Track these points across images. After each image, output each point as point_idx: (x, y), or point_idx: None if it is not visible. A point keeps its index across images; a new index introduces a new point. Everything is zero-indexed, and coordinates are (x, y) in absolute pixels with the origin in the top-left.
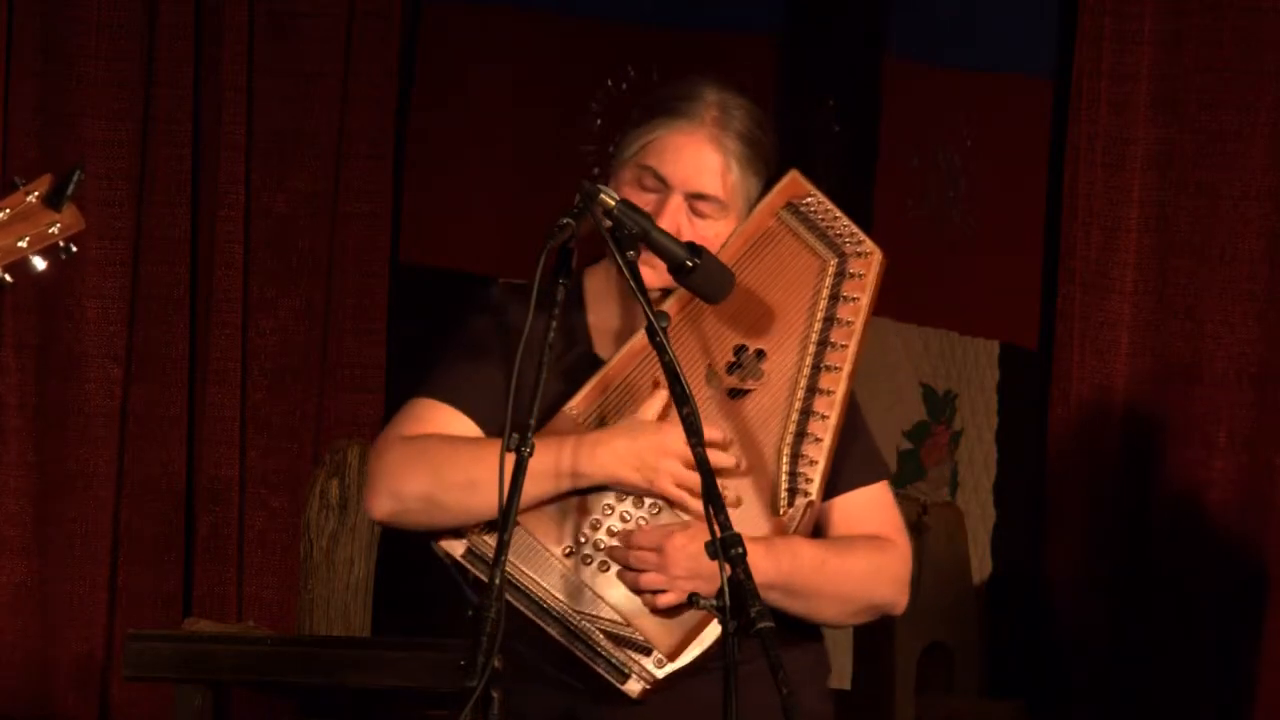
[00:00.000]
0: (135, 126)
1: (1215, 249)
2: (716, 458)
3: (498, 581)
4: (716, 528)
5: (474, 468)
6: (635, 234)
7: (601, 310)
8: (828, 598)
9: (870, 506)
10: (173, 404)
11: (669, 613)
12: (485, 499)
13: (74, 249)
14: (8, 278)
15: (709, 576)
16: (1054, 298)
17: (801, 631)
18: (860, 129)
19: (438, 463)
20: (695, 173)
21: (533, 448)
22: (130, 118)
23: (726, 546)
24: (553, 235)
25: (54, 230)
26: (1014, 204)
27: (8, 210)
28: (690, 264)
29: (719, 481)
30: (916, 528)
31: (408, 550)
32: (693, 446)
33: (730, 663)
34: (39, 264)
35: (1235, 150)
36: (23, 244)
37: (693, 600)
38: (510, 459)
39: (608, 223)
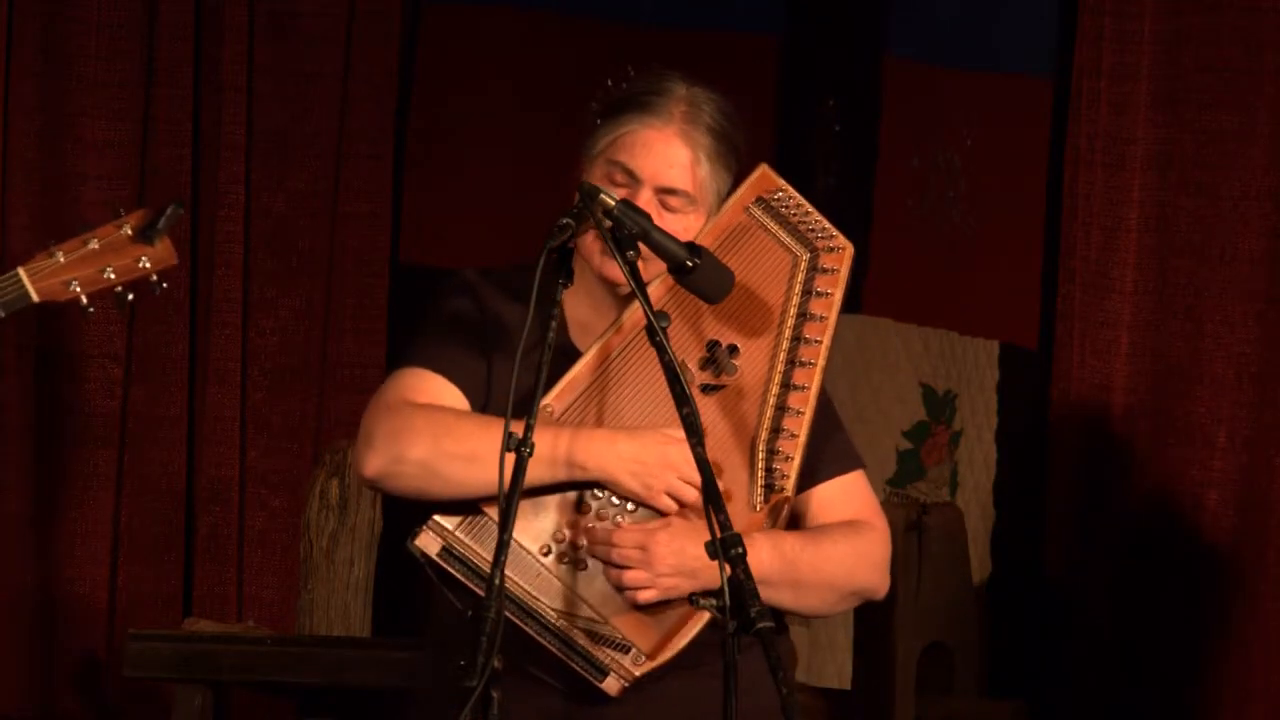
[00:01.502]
0: (135, 126)
1: (1215, 249)
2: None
3: (498, 582)
4: (717, 528)
5: (476, 442)
6: (635, 234)
7: (574, 302)
8: (811, 587)
9: (846, 495)
10: (173, 404)
11: (647, 611)
12: (483, 474)
13: (165, 285)
14: (90, 308)
15: (691, 573)
16: (1054, 298)
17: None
18: (860, 129)
19: (441, 432)
20: (664, 167)
21: (533, 448)
22: (130, 118)
23: (726, 546)
24: (553, 235)
25: (144, 264)
26: (1014, 204)
27: (97, 241)
28: (690, 264)
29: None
30: (916, 528)
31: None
32: (692, 446)
33: (730, 663)
34: (128, 297)
35: (1235, 150)
36: (109, 275)
37: (693, 600)
38: (510, 459)
39: (608, 223)
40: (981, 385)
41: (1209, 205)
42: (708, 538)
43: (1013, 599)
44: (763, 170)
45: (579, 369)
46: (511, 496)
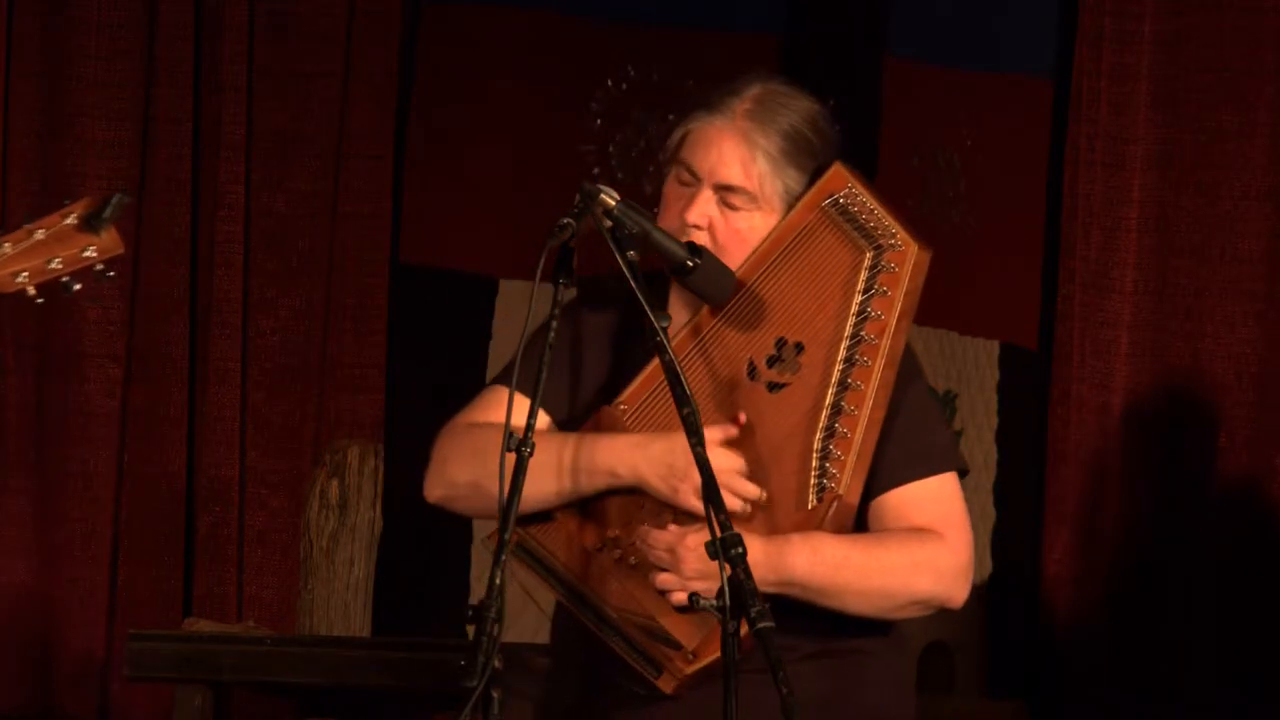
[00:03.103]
0: (135, 126)
1: (1215, 249)
2: (726, 458)
3: (498, 581)
4: (717, 527)
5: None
6: (635, 234)
7: (680, 312)
8: (858, 593)
9: (923, 501)
10: (173, 404)
11: (691, 611)
12: (527, 485)
13: (111, 273)
14: (39, 299)
15: (718, 576)
16: (1054, 298)
17: (876, 632)
18: (860, 129)
19: (484, 450)
20: (719, 164)
21: (533, 448)
22: (130, 118)
23: (726, 547)
24: (553, 235)
25: (90, 253)
26: (1014, 204)
27: (43, 231)
28: (690, 264)
29: (752, 476)
30: None
31: (408, 550)
32: (693, 447)
33: (730, 662)
34: (75, 286)
35: (1235, 150)
36: (56, 265)
37: (693, 600)
38: (510, 459)
39: (608, 223)
40: (981, 385)
41: (1209, 205)
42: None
43: (1013, 599)
44: (835, 169)
45: (652, 367)
46: (512, 496)
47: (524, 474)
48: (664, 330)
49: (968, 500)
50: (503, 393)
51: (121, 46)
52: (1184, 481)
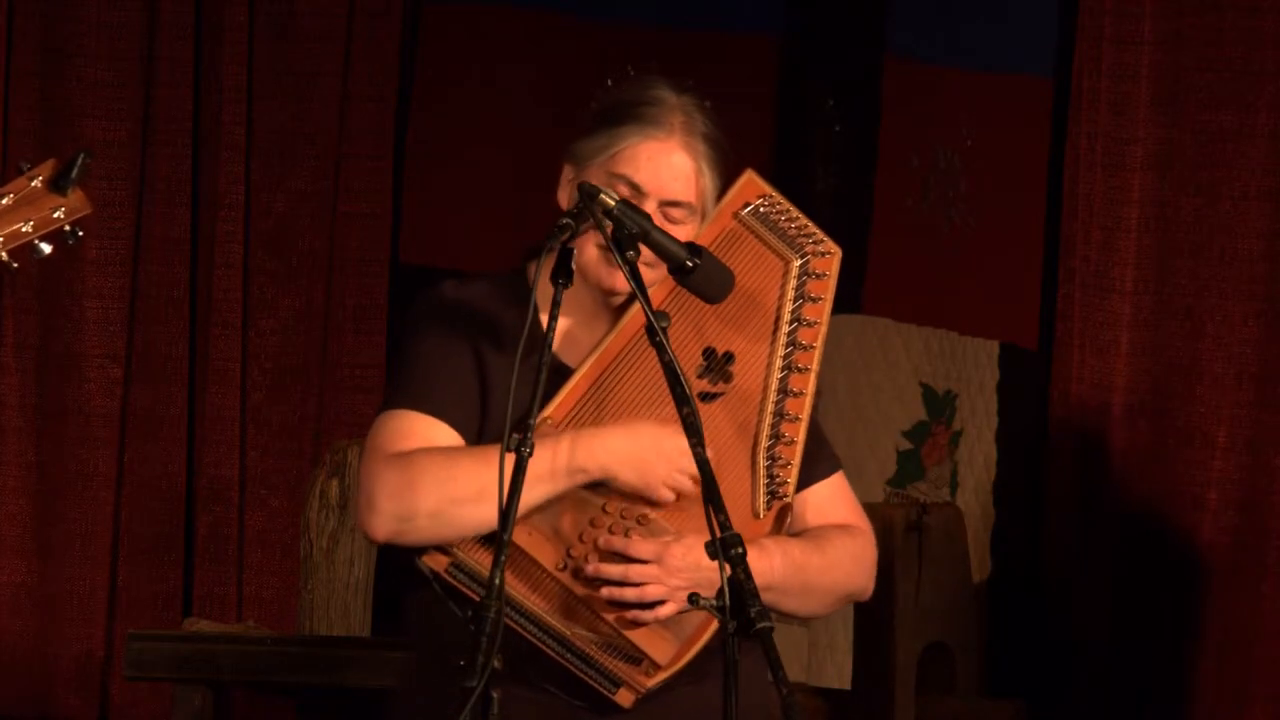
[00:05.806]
0: (135, 126)
1: (1215, 249)
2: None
3: (498, 581)
4: (717, 528)
5: (481, 479)
6: (635, 234)
7: (562, 314)
8: (814, 592)
9: (834, 497)
10: (173, 404)
11: (662, 622)
12: (494, 510)
13: (80, 234)
14: (14, 264)
15: (708, 586)
16: (1054, 298)
17: None
18: (860, 129)
19: (441, 478)
20: (669, 180)
21: (533, 448)
22: (130, 118)
23: (726, 547)
24: (553, 235)
25: (59, 215)
26: (1014, 204)
27: (11, 195)
28: (690, 264)
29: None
30: (916, 528)
31: (408, 550)
32: (693, 447)
33: (730, 662)
34: (45, 249)
35: (1235, 150)
36: (27, 229)
37: (693, 600)
38: (510, 459)
39: (607, 223)
40: (981, 385)
41: (1209, 205)
42: None
43: (1013, 599)
44: (749, 176)
45: (579, 378)
46: (512, 496)
47: (524, 474)
48: (664, 330)
49: (968, 500)
50: (409, 417)
51: (121, 46)
52: (1183, 482)
